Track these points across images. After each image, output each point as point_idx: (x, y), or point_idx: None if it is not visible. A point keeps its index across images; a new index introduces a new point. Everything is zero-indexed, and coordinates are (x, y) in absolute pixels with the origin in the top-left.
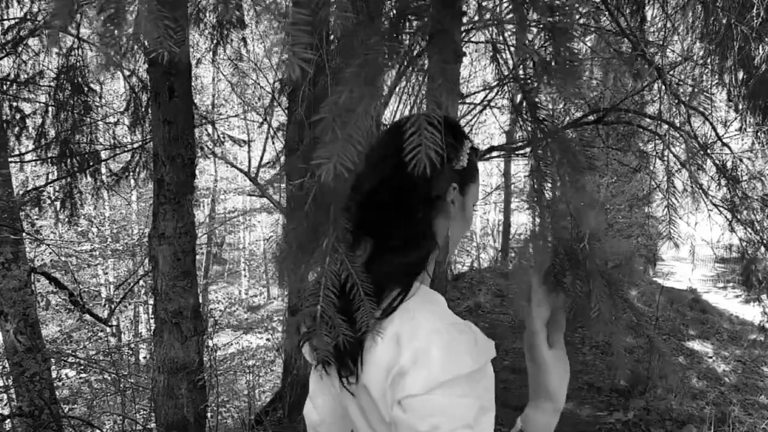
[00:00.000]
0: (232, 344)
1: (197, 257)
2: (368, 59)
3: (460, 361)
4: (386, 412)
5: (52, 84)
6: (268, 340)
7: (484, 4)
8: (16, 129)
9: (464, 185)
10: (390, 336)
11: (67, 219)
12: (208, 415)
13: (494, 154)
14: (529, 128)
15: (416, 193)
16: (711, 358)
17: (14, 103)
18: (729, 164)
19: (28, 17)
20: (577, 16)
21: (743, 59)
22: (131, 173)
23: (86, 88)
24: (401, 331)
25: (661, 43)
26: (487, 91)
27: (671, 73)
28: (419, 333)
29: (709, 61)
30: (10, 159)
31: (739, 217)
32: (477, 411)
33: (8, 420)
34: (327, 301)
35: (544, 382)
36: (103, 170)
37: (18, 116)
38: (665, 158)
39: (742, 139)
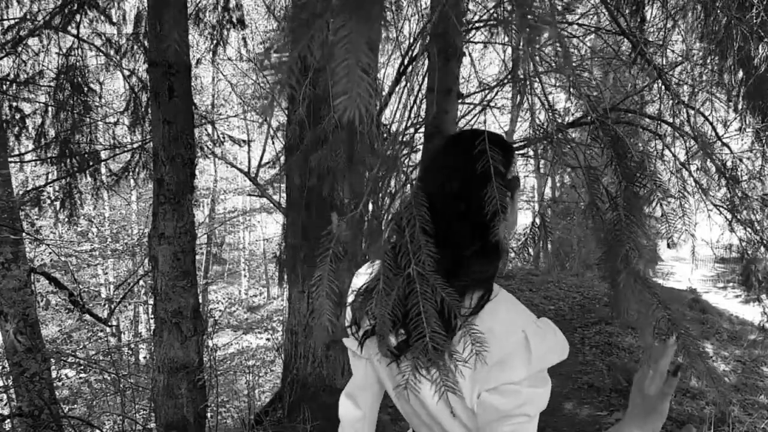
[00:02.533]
0: (231, 344)
1: (197, 257)
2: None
3: (549, 356)
4: (471, 396)
5: (51, 84)
6: (267, 340)
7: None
8: (16, 129)
9: (513, 191)
10: (483, 330)
11: (66, 219)
12: (208, 415)
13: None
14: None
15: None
16: (711, 358)
17: (14, 103)
18: (729, 164)
19: (28, 17)
20: (577, 17)
21: (742, 59)
22: (131, 173)
23: (86, 88)
24: (493, 326)
25: (661, 43)
26: (487, 91)
27: (671, 73)
28: (514, 328)
29: (708, 61)
30: (9, 159)
31: (738, 217)
32: None
33: (8, 420)
34: (431, 328)
35: (654, 426)
36: (103, 170)
37: (18, 116)
38: (666, 158)
39: (742, 139)
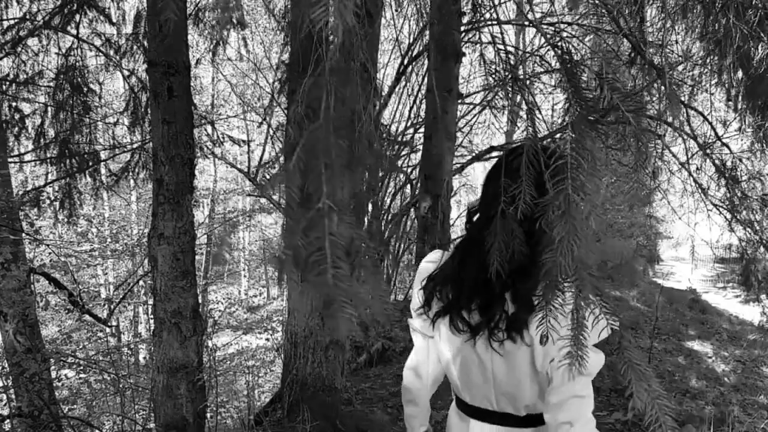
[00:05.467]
0: (231, 344)
1: (197, 257)
2: None
3: (605, 330)
4: (543, 362)
5: (51, 84)
6: (267, 340)
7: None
8: (16, 129)
9: None
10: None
11: (66, 219)
12: (208, 415)
13: (494, 154)
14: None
15: None
16: (710, 358)
17: (13, 104)
18: (728, 164)
19: (28, 17)
20: (577, 17)
21: (741, 58)
22: (130, 173)
23: (85, 89)
24: (565, 305)
25: (660, 43)
26: (487, 92)
27: (670, 73)
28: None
29: (708, 61)
30: (9, 159)
31: (738, 217)
32: None
33: (8, 420)
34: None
35: None
36: (103, 170)
37: (17, 116)
38: (665, 158)
39: (741, 139)
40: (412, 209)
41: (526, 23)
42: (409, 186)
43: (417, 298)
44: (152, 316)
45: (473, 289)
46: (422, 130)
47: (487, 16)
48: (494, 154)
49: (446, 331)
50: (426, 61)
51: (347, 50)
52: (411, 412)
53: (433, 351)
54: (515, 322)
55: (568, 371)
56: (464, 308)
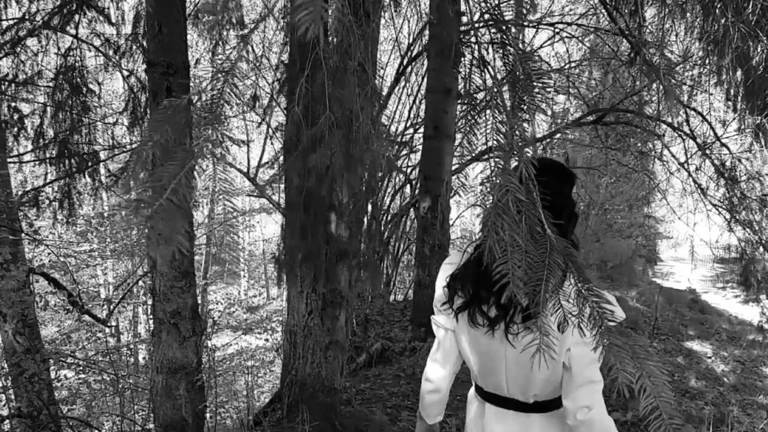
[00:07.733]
0: (231, 345)
1: (196, 258)
2: None
3: (618, 314)
4: (561, 352)
5: (50, 84)
6: (267, 340)
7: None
8: (15, 129)
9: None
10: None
11: (65, 219)
12: (207, 415)
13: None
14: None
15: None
16: (710, 358)
17: (13, 104)
18: (728, 164)
19: (27, 17)
20: (576, 17)
21: (740, 57)
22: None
23: (85, 89)
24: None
25: (659, 43)
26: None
27: (669, 73)
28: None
29: (707, 61)
30: (8, 159)
31: (737, 217)
32: None
33: (7, 420)
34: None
35: None
36: (102, 171)
37: (16, 116)
38: (665, 158)
39: (740, 140)
40: (411, 209)
41: (480, 23)
42: (408, 186)
43: (441, 294)
44: (151, 317)
45: (491, 285)
46: (422, 130)
47: (487, 17)
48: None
49: (466, 324)
50: (426, 61)
51: (344, 50)
52: (432, 400)
53: (454, 343)
54: (529, 314)
55: (589, 356)
56: (484, 303)
